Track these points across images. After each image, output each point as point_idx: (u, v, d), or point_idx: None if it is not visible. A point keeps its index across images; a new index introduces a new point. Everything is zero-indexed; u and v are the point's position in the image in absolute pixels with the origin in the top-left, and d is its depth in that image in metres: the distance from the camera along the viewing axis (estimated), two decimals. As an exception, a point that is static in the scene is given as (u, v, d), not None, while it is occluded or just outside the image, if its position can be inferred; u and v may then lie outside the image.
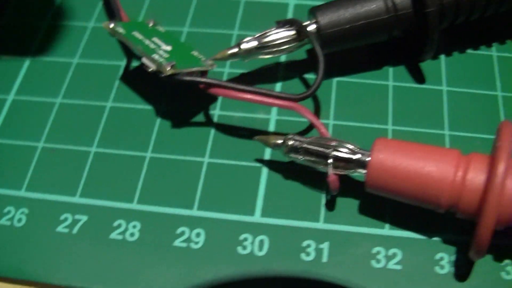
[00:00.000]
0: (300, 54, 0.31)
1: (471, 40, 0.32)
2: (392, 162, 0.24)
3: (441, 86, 0.30)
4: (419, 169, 0.24)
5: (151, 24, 0.30)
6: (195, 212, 0.27)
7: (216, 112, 0.30)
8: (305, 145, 0.26)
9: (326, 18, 0.29)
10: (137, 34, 0.29)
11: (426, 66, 0.31)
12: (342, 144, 0.25)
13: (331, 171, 0.25)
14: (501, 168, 0.22)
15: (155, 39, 0.29)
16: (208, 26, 0.34)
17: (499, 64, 0.31)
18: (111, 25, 0.29)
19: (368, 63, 0.31)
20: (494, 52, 0.32)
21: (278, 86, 0.31)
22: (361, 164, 0.25)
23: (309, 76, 0.31)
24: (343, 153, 0.25)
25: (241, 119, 0.30)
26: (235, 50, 0.29)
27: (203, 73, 0.28)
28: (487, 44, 0.32)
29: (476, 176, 0.23)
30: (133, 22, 0.31)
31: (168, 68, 0.27)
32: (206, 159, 0.28)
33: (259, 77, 0.31)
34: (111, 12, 0.32)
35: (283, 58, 0.32)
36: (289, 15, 0.34)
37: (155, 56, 0.27)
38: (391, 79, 0.31)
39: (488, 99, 0.30)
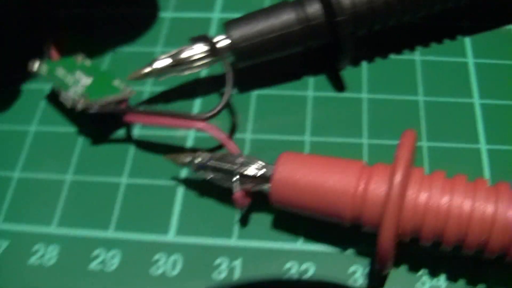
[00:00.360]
0: (221, 68, 0.31)
1: (394, 45, 0.32)
2: (295, 177, 0.24)
3: (362, 93, 0.30)
4: (321, 182, 0.24)
5: (79, 59, 0.30)
6: (111, 233, 0.27)
7: (136, 131, 0.29)
8: (211, 163, 0.25)
9: (238, 32, 0.28)
10: (60, 72, 0.29)
11: (348, 74, 0.31)
12: (249, 161, 0.25)
13: (236, 188, 0.25)
14: (398, 178, 0.22)
15: (78, 74, 0.29)
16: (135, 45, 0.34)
17: (422, 69, 0.31)
18: (35, 65, 0.29)
19: (288, 74, 0.31)
20: (417, 56, 0.31)
21: (197, 102, 0.30)
22: (265, 179, 0.25)
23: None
24: (248, 169, 0.25)
25: (161, 137, 0.29)
26: (148, 69, 0.29)
27: (122, 102, 0.28)
28: (410, 48, 0.31)
29: (378, 188, 0.23)
30: (63, 59, 0.31)
31: (79, 104, 0.27)
32: (125, 180, 0.28)
33: (179, 94, 0.31)
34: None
35: (203, 72, 0.31)
36: (213, 30, 0.33)
37: (70, 92, 0.28)
38: (311, 89, 0.30)
39: (410, 105, 0.30)
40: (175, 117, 0.27)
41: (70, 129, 0.31)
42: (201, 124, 0.27)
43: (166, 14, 0.35)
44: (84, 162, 0.29)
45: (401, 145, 0.23)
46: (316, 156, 0.25)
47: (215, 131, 0.27)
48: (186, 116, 0.27)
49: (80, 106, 0.27)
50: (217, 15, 0.34)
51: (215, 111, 0.27)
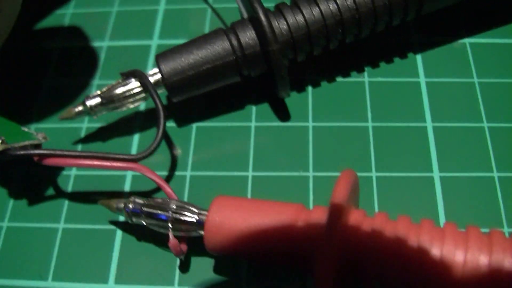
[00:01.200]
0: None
1: (340, 67, 0.31)
2: (229, 223, 0.23)
3: (307, 122, 0.29)
4: (257, 226, 0.22)
5: None
6: (49, 284, 0.26)
7: (72, 172, 0.28)
8: (145, 209, 0.24)
9: (168, 66, 0.27)
10: None
11: (292, 100, 0.29)
12: (183, 206, 0.24)
13: (171, 235, 0.24)
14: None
15: None
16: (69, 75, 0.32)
17: (370, 91, 0.29)
18: None
19: (229, 103, 0.30)
20: (366, 78, 0.30)
21: (135, 138, 0.29)
22: (200, 226, 0.23)
23: (169, 124, 0.30)
24: (183, 215, 0.24)
25: (98, 178, 0.28)
26: (81, 108, 0.28)
27: (37, 146, 0.26)
28: (358, 70, 0.30)
29: (315, 223, 0.22)
30: None
31: None
32: (61, 225, 0.27)
33: (117, 130, 0.29)
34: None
35: (142, 106, 0.30)
36: (152, 58, 0.32)
37: None
38: (254, 119, 0.29)
39: (358, 132, 0.29)
40: (106, 159, 0.26)
41: None
42: (133, 166, 0.25)
43: (103, 43, 0.33)
44: (19, 208, 0.28)
45: (336, 186, 0.22)
46: (251, 200, 0.24)
47: (148, 173, 0.25)
48: (118, 158, 0.25)
49: None
50: (156, 42, 0.32)
51: (147, 152, 0.26)
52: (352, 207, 0.22)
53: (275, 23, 0.27)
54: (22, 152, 0.26)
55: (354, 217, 0.22)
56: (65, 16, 0.34)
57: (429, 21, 0.30)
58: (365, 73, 0.30)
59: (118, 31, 0.33)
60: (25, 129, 0.27)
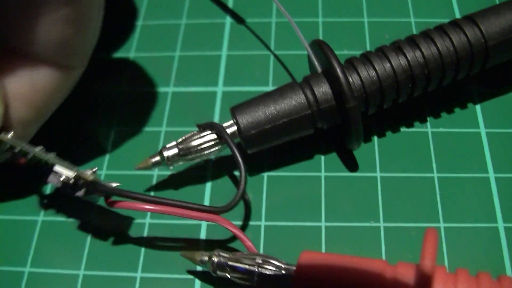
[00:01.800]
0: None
1: (404, 118, 0.32)
2: (317, 279, 0.24)
3: (375, 172, 0.29)
4: (344, 282, 0.23)
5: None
6: None
7: (147, 220, 0.29)
8: (230, 263, 0.25)
9: (245, 119, 0.28)
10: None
11: (358, 150, 0.30)
12: (267, 260, 0.25)
13: None
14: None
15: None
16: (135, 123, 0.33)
17: (434, 141, 0.30)
18: (9, 135, 0.27)
19: (299, 153, 0.31)
20: (428, 128, 0.31)
21: (208, 186, 0.30)
22: (286, 280, 0.24)
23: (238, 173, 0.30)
24: (268, 270, 0.24)
25: (171, 227, 0.28)
26: (157, 158, 0.28)
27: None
28: (421, 120, 0.31)
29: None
30: None
31: (90, 173, 0.26)
32: (139, 274, 0.27)
33: (188, 178, 0.30)
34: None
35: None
36: (218, 105, 0.33)
37: (65, 165, 0.26)
38: (323, 169, 0.30)
39: (425, 182, 0.29)
40: (188, 209, 0.26)
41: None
42: (215, 218, 0.26)
43: (168, 89, 0.34)
44: (94, 255, 0.29)
45: (425, 244, 0.23)
46: (335, 255, 0.25)
47: (230, 226, 0.26)
48: (201, 209, 0.26)
49: (90, 175, 0.27)
50: (221, 88, 0.33)
51: (230, 205, 0.26)
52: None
53: (349, 79, 0.27)
54: (109, 189, 0.26)
55: (440, 275, 0.23)
56: (128, 58, 0.35)
57: (487, 72, 0.31)
58: (428, 123, 0.31)
59: (182, 77, 0.34)
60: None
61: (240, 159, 0.26)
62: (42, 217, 0.30)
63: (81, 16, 0.26)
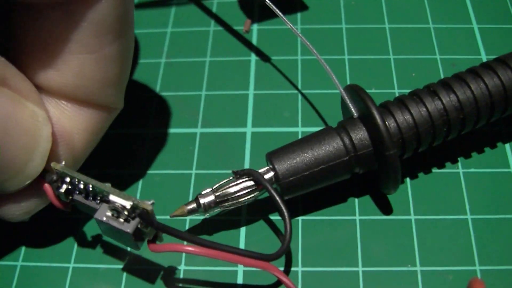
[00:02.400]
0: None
1: (435, 159, 0.32)
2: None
3: (409, 215, 0.29)
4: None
5: None
6: None
7: (182, 267, 0.28)
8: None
9: (283, 166, 0.28)
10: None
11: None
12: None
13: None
14: None
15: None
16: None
17: (466, 182, 0.30)
18: (62, 164, 0.26)
19: (333, 196, 0.31)
20: (460, 169, 0.31)
21: (242, 231, 0.29)
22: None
23: (273, 217, 0.30)
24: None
25: (207, 273, 0.28)
26: (194, 205, 0.28)
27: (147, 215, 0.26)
28: (452, 161, 0.31)
29: None
30: None
31: (150, 203, 0.25)
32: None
33: (222, 223, 0.30)
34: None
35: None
36: (247, 146, 0.33)
37: (121, 194, 0.25)
38: (357, 212, 0.30)
39: (459, 225, 0.30)
40: (240, 255, 0.26)
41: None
42: (265, 265, 0.26)
43: (196, 130, 0.34)
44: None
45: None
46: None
47: (279, 274, 0.26)
48: (251, 255, 0.26)
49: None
50: (250, 129, 0.33)
51: (279, 253, 0.26)
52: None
53: (387, 124, 0.27)
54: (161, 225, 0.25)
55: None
56: (153, 98, 0.34)
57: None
58: (459, 164, 0.31)
59: (210, 117, 0.34)
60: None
61: (284, 207, 0.26)
62: (73, 263, 0.29)
63: (126, 54, 0.26)
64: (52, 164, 0.25)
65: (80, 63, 0.25)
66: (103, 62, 0.25)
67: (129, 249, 0.28)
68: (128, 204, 0.24)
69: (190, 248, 0.25)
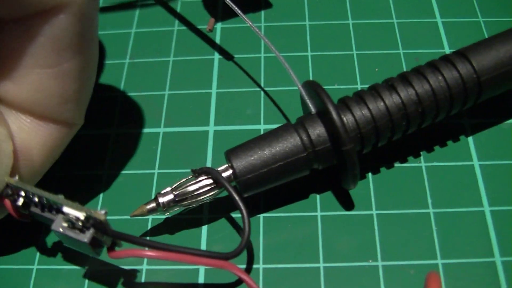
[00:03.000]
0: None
1: (398, 153, 0.32)
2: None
3: (371, 210, 0.29)
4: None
5: None
6: None
7: (144, 266, 0.28)
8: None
9: (241, 163, 0.28)
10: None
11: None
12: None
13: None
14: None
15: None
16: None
17: (428, 176, 0.30)
18: (16, 178, 0.26)
19: (294, 193, 0.31)
20: (422, 163, 0.31)
21: (204, 230, 0.30)
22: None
23: (235, 215, 0.30)
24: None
25: (168, 272, 0.28)
26: (153, 205, 0.28)
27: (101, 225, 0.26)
28: (414, 155, 0.31)
29: None
30: None
31: (102, 213, 0.24)
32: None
33: (184, 222, 0.30)
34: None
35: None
36: (210, 145, 0.32)
37: (74, 205, 0.25)
38: (319, 208, 0.30)
39: (421, 218, 0.30)
40: (197, 255, 0.26)
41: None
42: (224, 264, 0.26)
43: (159, 129, 0.34)
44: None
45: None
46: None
47: (238, 272, 0.26)
48: (209, 255, 0.26)
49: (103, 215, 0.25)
50: (212, 128, 0.33)
51: (238, 251, 0.26)
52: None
53: (344, 119, 0.27)
54: (119, 234, 0.25)
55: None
56: (117, 98, 0.34)
57: (478, 104, 0.31)
58: (421, 158, 0.31)
59: (173, 116, 0.34)
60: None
61: (241, 205, 0.26)
62: (36, 265, 0.29)
63: (87, 70, 0.26)
64: (6, 179, 0.25)
65: (38, 78, 0.25)
66: (61, 78, 0.25)
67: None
68: (81, 215, 0.24)
69: (149, 253, 0.25)
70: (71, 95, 0.26)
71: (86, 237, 0.25)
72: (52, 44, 0.24)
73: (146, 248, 0.25)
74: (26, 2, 0.23)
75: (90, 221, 0.24)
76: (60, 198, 0.25)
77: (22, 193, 0.26)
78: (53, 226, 0.25)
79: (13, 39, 0.24)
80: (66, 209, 0.25)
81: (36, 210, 0.26)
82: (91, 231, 0.25)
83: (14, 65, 0.24)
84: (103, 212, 0.24)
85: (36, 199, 0.26)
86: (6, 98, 0.25)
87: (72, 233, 0.25)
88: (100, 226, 0.25)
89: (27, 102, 0.25)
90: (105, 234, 0.25)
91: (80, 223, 0.24)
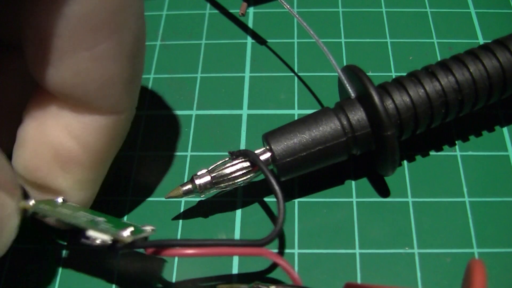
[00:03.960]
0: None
1: (433, 142, 0.31)
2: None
3: (407, 197, 0.29)
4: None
5: (60, 200, 0.26)
6: None
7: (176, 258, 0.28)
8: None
9: (280, 147, 0.27)
10: (63, 210, 0.25)
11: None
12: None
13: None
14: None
15: (82, 213, 0.25)
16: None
17: (463, 165, 0.30)
18: (31, 203, 0.25)
19: (329, 178, 0.30)
20: (457, 151, 0.30)
21: (238, 213, 0.29)
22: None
23: (269, 199, 0.30)
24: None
25: (201, 262, 0.28)
26: (189, 186, 0.28)
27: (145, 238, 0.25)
28: (450, 144, 0.31)
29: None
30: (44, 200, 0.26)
31: (127, 235, 0.24)
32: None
33: (217, 205, 0.29)
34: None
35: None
36: (243, 128, 0.32)
37: (102, 227, 0.24)
38: (354, 194, 0.29)
39: (456, 207, 0.29)
40: (232, 246, 0.25)
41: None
42: (260, 251, 0.25)
43: (191, 112, 0.33)
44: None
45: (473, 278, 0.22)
46: (378, 286, 0.24)
47: (276, 258, 0.25)
48: (243, 244, 0.25)
49: (128, 237, 0.24)
50: (246, 111, 0.33)
51: (271, 237, 0.25)
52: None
53: (385, 105, 0.27)
54: (148, 244, 0.25)
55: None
56: (149, 80, 0.34)
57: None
58: (457, 147, 0.31)
59: (205, 99, 0.33)
60: (127, 221, 0.26)
61: (278, 189, 0.26)
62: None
63: (129, 50, 0.24)
64: (20, 205, 0.24)
65: (75, 62, 0.23)
66: (100, 60, 0.23)
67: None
68: (107, 238, 0.24)
69: (185, 251, 0.25)
70: (113, 78, 0.24)
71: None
72: (84, 24, 0.22)
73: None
74: None
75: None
76: (83, 221, 0.24)
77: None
78: (83, 241, 0.24)
79: (44, 20, 0.22)
80: (91, 233, 0.24)
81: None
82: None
83: (51, 49, 0.23)
84: (127, 233, 0.23)
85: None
86: (48, 84, 0.24)
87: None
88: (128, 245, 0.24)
89: (67, 87, 0.24)
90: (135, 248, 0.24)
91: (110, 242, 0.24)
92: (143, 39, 0.25)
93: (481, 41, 0.35)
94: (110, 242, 0.23)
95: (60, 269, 0.28)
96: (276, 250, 0.28)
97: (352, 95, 0.28)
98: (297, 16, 0.31)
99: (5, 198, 0.23)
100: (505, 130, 0.31)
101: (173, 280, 0.28)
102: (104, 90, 0.24)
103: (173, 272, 0.28)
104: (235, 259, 0.28)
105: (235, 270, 0.28)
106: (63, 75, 0.23)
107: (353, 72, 0.28)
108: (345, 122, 0.27)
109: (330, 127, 0.27)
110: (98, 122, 0.25)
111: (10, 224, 0.24)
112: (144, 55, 0.26)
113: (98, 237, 0.23)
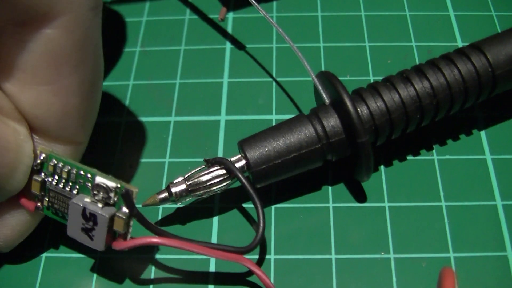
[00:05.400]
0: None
1: (410, 146, 0.31)
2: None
3: (383, 202, 0.29)
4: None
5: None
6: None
7: (154, 255, 0.28)
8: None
9: (255, 154, 0.27)
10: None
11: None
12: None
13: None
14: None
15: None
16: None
17: (440, 169, 0.30)
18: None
19: (306, 184, 0.30)
20: (435, 156, 0.31)
21: (215, 220, 0.29)
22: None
23: (247, 205, 0.30)
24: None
25: (179, 261, 0.28)
26: (165, 194, 0.28)
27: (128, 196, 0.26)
28: (427, 148, 0.31)
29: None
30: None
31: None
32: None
33: (195, 212, 0.29)
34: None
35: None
36: (221, 134, 0.32)
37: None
38: (331, 200, 0.30)
39: (433, 211, 0.29)
40: (211, 248, 0.26)
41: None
42: (238, 258, 0.26)
43: (170, 118, 0.33)
44: None
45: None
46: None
47: (252, 266, 0.26)
48: (225, 249, 0.26)
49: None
50: (224, 117, 0.33)
51: (253, 245, 0.26)
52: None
53: (359, 111, 0.27)
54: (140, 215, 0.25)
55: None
56: (127, 87, 0.34)
57: (491, 98, 0.31)
58: (434, 151, 0.31)
59: (184, 105, 0.34)
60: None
61: (256, 197, 0.26)
62: (46, 253, 0.29)
63: (89, 85, 0.25)
64: (40, 148, 0.25)
65: (36, 95, 0.24)
66: (61, 94, 0.24)
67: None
68: (114, 184, 0.25)
69: (156, 240, 0.25)
70: (72, 111, 0.25)
71: (107, 212, 0.25)
72: (48, 59, 0.23)
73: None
74: (16, 4, 0.22)
75: (122, 190, 0.25)
76: (94, 170, 0.25)
77: (51, 163, 0.26)
78: (74, 200, 0.25)
79: (9, 52, 0.23)
80: (99, 179, 0.25)
81: (55, 188, 0.26)
82: (113, 209, 0.25)
83: (14, 80, 0.24)
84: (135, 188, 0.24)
85: (66, 171, 0.26)
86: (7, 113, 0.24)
87: (93, 207, 0.25)
88: (128, 198, 0.24)
89: (28, 118, 0.25)
90: (130, 210, 0.25)
91: (110, 195, 0.25)
92: (101, 74, 0.26)
93: (460, 44, 0.35)
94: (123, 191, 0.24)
95: (94, 276, 0.28)
96: (254, 256, 0.28)
97: (327, 101, 0.28)
98: (272, 21, 0.31)
99: (15, 125, 0.24)
100: (483, 133, 0.31)
101: (153, 264, 0.28)
102: (64, 122, 0.25)
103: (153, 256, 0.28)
104: (213, 260, 0.28)
105: (212, 269, 0.28)
106: (23, 106, 0.24)
107: (327, 78, 0.28)
108: (319, 129, 0.27)
109: (304, 134, 0.27)
110: (57, 149, 0.26)
111: (27, 148, 0.25)
112: (101, 90, 0.27)
113: (106, 183, 0.25)
